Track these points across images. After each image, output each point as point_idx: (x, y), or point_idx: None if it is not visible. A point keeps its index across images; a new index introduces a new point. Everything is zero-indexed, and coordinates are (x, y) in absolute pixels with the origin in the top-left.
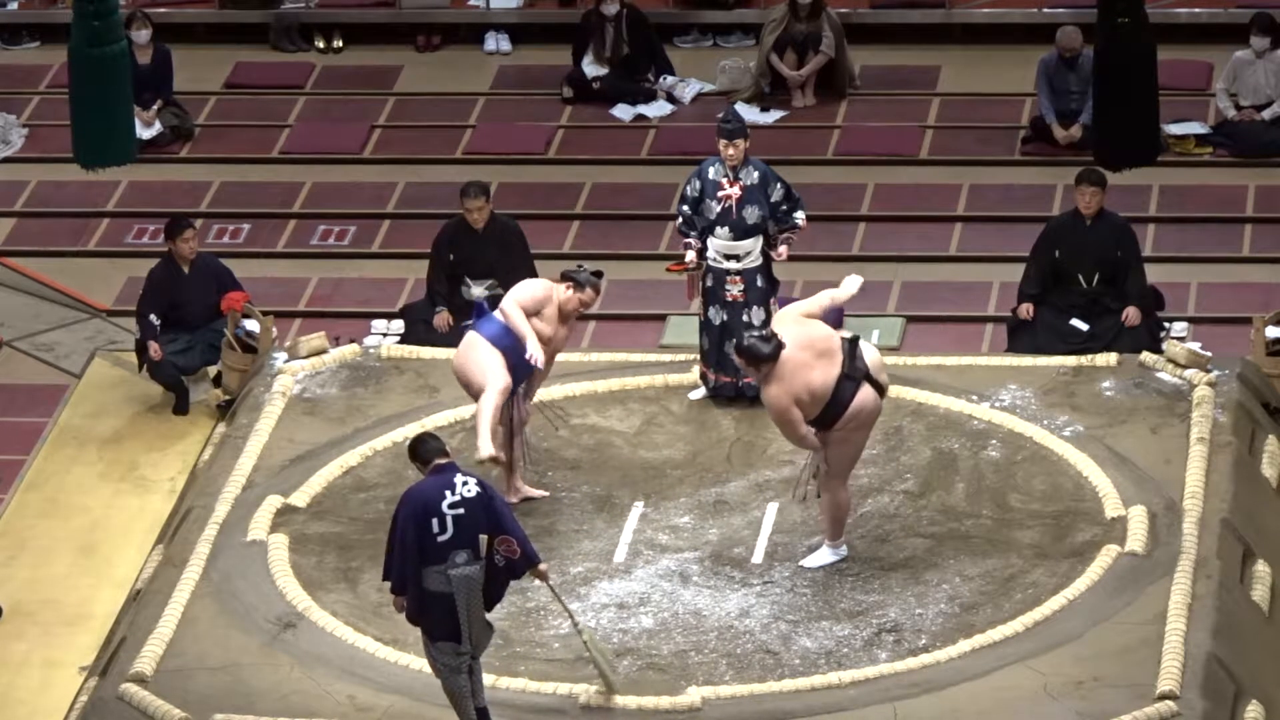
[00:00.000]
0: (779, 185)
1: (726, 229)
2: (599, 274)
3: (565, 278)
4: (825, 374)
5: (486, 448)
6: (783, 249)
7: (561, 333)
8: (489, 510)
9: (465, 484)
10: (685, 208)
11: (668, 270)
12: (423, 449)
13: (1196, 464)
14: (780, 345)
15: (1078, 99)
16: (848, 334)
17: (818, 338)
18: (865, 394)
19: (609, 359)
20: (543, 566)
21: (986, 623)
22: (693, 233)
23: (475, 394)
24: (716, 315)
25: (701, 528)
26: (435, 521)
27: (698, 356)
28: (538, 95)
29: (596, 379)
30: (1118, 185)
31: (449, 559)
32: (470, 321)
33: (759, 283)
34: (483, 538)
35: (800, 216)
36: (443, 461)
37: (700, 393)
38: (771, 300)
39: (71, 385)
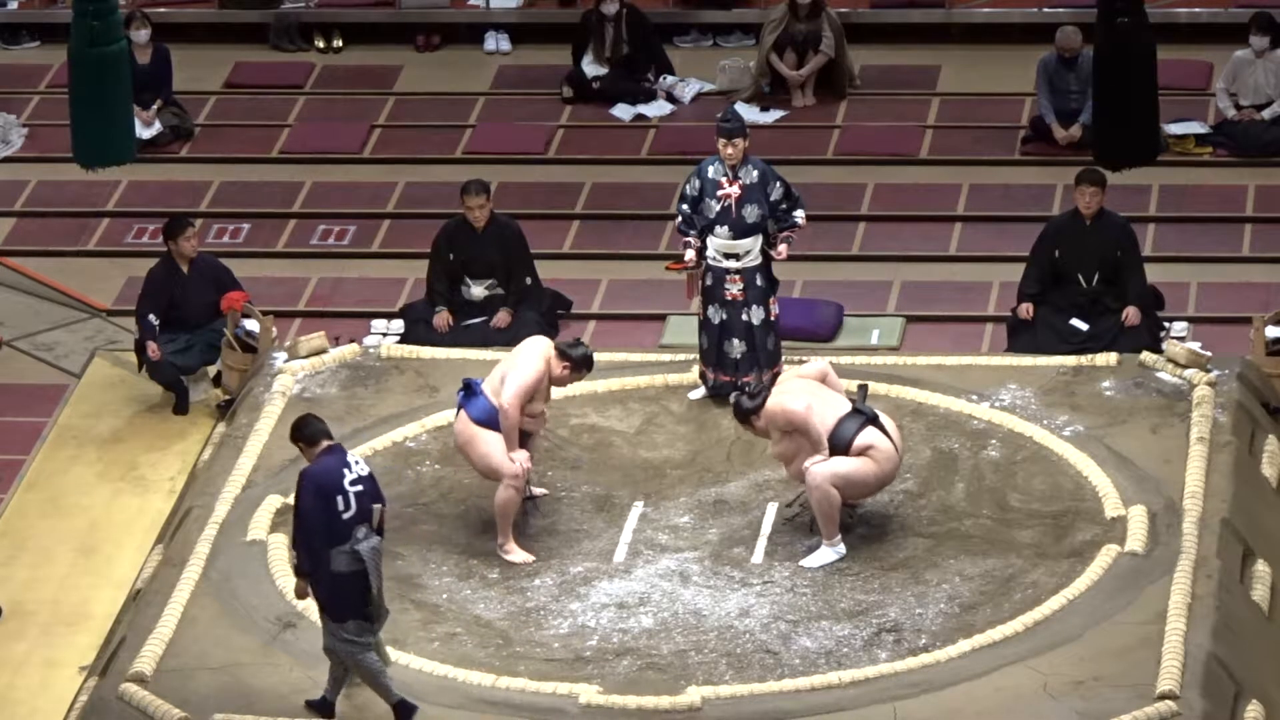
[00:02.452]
0: (778, 184)
1: (726, 228)
2: (590, 359)
3: (563, 355)
4: (826, 402)
5: (516, 555)
6: (783, 248)
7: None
8: (376, 486)
9: (358, 462)
10: (685, 207)
11: (667, 269)
12: (308, 430)
13: (1196, 464)
14: (766, 392)
15: (1078, 99)
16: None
17: (818, 377)
18: (875, 432)
19: (609, 359)
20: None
21: (986, 623)
22: (692, 232)
23: (486, 475)
24: (716, 314)
25: (701, 528)
26: (340, 499)
27: (697, 356)
28: (538, 95)
29: (596, 379)
30: (1118, 185)
31: (351, 535)
32: (460, 394)
33: (758, 281)
34: (376, 507)
35: (800, 215)
36: (331, 443)
37: (700, 393)
38: (771, 299)
39: (71, 385)
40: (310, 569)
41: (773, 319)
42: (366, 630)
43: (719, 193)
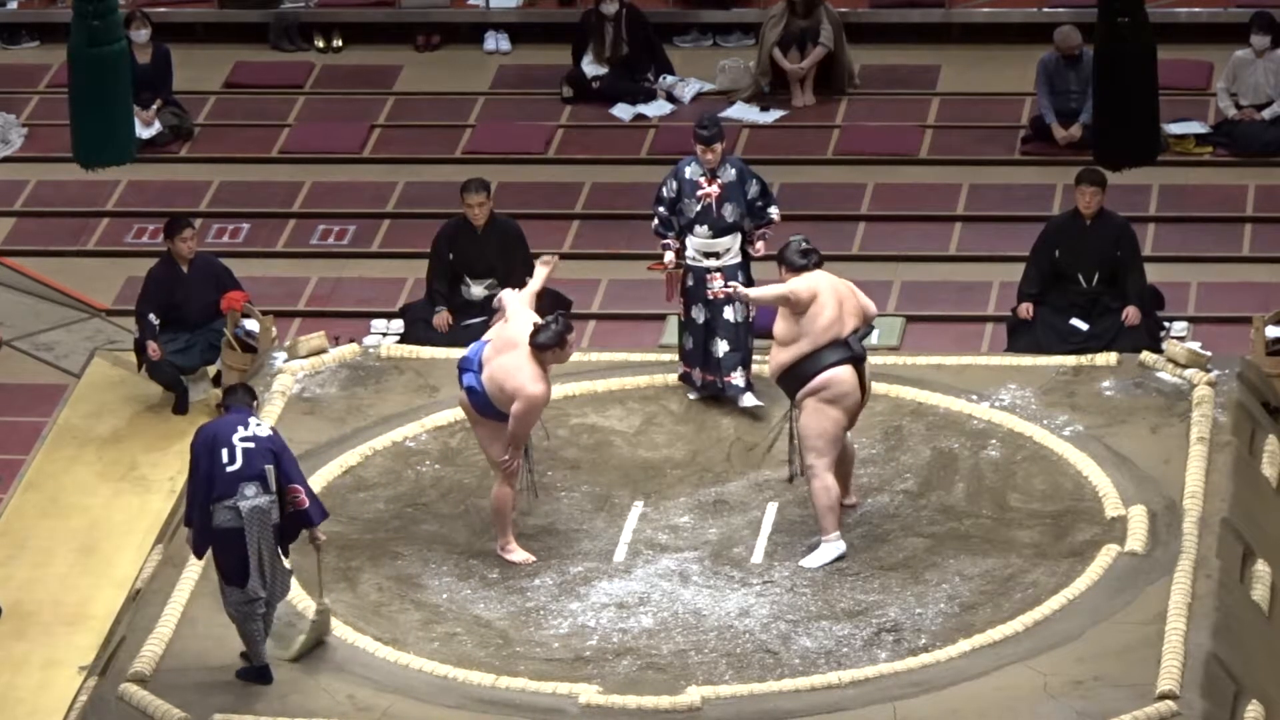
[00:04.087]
0: (755, 182)
1: (706, 227)
2: (568, 323)
3: (540, 349)
4: (838, 323)
5: (516, 555)
6: (760, 245)
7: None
8: (280, 455)
9: (259, 425)
10: (661, 209)
11: (648, 269)
12: (229, 394)
13: (1196, 464)
14: (818, 263)
15: (1078, 99)
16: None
17: (847, 295)
18: (845, 371)
19: (609, 359)
20: (319, 536)
21: (986, 623)
22: (670, 233)
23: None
24: (700, 314)
25: (701, 528)
26: (225, 451)
27: (677, 358)
28: (538, 95)
29: (596, 379)
30: (1118, 185)
31: (238, 491)
32: (460, 377)
33: (739, 279)
34: (269, 468)
35: (775, 211)
36: (239, 406)
37: (695, 394)
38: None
39: (71, 385)
40: (189, 519)
41: (750, 319)
42: (247, 599)
43: (699, 192)
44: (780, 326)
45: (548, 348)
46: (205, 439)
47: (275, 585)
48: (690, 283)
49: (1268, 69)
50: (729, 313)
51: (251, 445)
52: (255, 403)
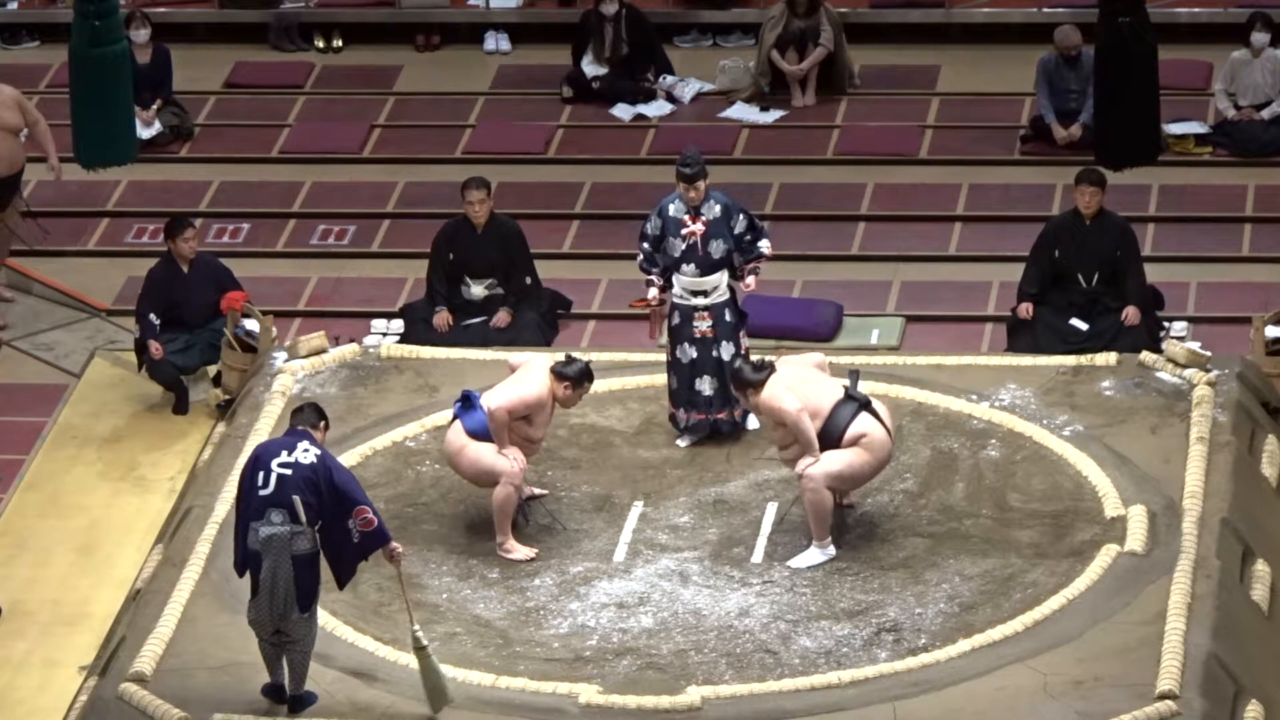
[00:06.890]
0: (741, 216)
1: (693, 265)
2: (589, 371)
3: (560, 376)
4: (820, 393)
5: (517, 553)
6: (751, 280)
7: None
8: (329, 482)
9: (306, 451)
10: (646, 245)
11: (630, 306)
12: (296, 414)
13: (1196, 464)
14: (771, 369)
15: (1078, 98)
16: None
17: (816, 367)
18: (868, 419)
19: (609, 359)
20: (395, 548)
21: (986, 622)
22: (654, 270)
23: (478, 481)
24: (685, 354)
25: (701, 527)
26: (261, 475)
27: (667, 399)
28: (537, 95)
29: (596, 379)
30: (1118, 185)
31: (265, 516)
32: (457, 404)
33: (727, 317)
34: (296, 499)
35: (765, 245)
36: (300, 427)
37: (687, 440)
38: (740, 333)
39: (71, 385)
40: (235, 535)
41: (743, 353)
42: (258, 620)
43: (683, 230)
44: (779, 434)
45: (566, 376)
46: (252, 458)
47: (281, 612)
48: (676, 321)
49: (1265, 69)
50: (721, 350)
51: (288, 472)
52: (322, 423)
